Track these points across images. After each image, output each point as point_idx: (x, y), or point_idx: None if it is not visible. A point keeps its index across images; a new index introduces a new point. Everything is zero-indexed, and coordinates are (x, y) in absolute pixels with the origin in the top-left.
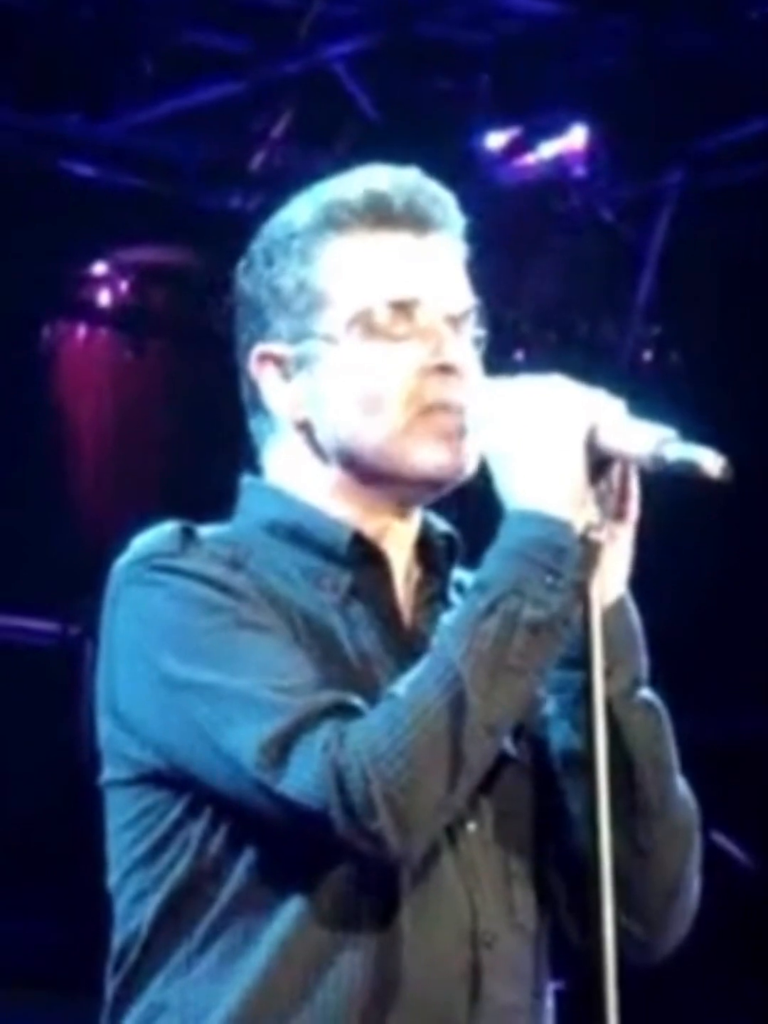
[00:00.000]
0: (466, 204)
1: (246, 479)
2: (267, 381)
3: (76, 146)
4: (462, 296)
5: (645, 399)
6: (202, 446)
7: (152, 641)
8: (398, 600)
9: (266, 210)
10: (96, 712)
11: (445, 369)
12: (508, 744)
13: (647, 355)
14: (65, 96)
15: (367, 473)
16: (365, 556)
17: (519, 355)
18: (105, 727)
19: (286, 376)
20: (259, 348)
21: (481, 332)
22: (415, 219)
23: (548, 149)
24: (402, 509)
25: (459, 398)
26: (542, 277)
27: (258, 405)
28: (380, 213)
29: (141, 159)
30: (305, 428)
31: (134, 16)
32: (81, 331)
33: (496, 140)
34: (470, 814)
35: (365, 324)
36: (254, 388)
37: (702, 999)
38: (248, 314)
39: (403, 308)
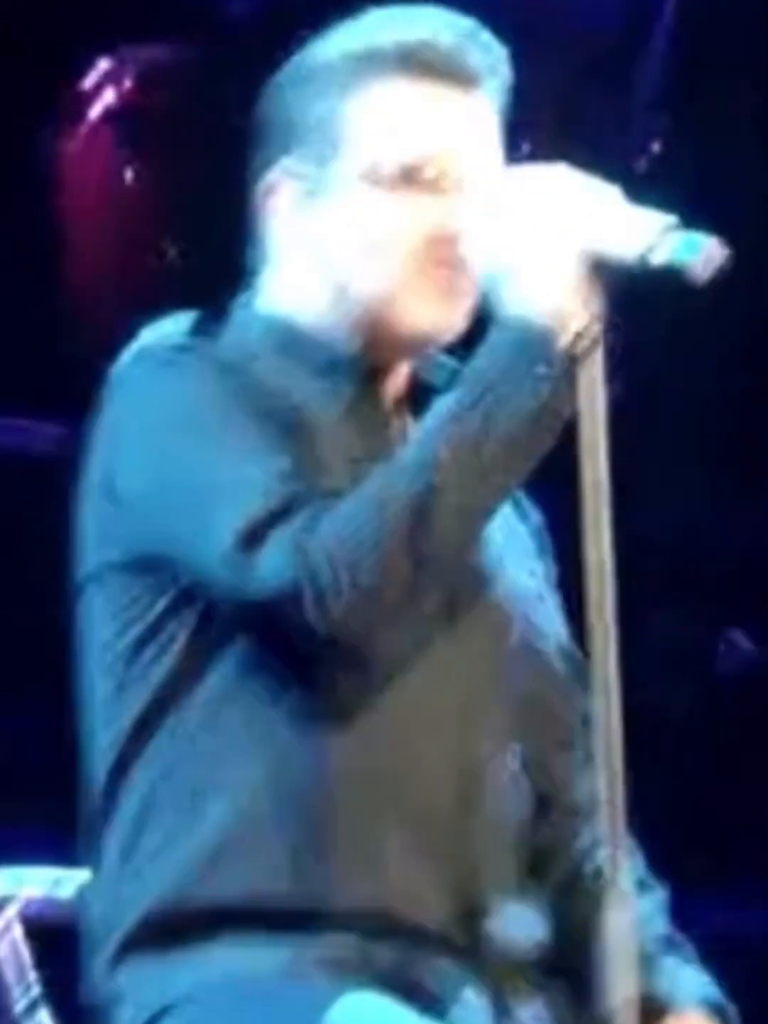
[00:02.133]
0: None
1: (238, 301)
2: (274, 206)
3: None
4: (492, 157)
5: (652, 191)
6: (203, 247)
7: (157, 417)
8: (393, 426)
9: (270, 10)
10: (84, 498)
11: (455, 236)
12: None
13: (656, 146)
14: None
15: (363, 312)
16: (366, 374)
17: (524, 147)
18: (97, 508)
19: (294, 205)
20: (275, 171)
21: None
22: (463, 73)
23: None
24: (393, 356)
25: (465, 260)
26: (547, 64)
27: (260, 225)
28: (427, 61)
29: None
30: (309, 256)
31: None
32: (83, 129)
33: None
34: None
35: (386, 175)
36: (259, 209)
37: (721, 792)
38: (272, 135)
39: (425, 166)
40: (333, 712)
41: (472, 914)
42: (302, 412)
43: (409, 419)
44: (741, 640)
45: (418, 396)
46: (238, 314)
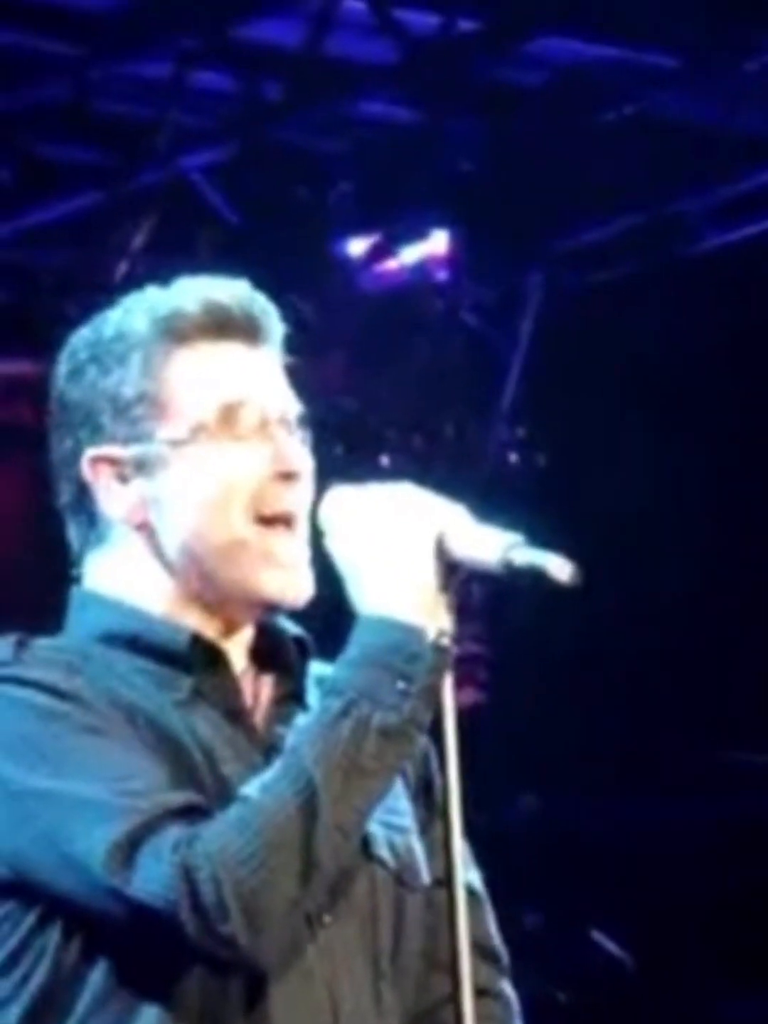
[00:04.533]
0: (329, 310)
1: (76, 591)
2: (102, 484)
3: None
4: (292, 402)
5: (511, 501)
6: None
7: None
8: (244, 700)
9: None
10: None
11: (287, 476)
12: (384, 852)
13: (513, 457)
14: None
15: (207, 578)
16: (206, 658)
17: (384, 460)
18: None
19: (123, 479)
20: (92, 451)
21: (307, 436)
22: (249, 330)
23: (410, 254)
24: (237, 622)
25: (299, 507)
26: (407, 382)
27: (85, 509)
28: (219, 324)
29: (4, 272)
30: (143, 530)
31: None
32: None
33: (357, 246)
34: (330, 907)
35: (208, 429)
36: (82, 492)
37: None
38: (76, 420)
39: (242, 413)
40: (204, 1016)
41: None
42: (148, 713)
43: (264, 679)
44: (604, 941)
45: (269, 650)
46: (78, 607)
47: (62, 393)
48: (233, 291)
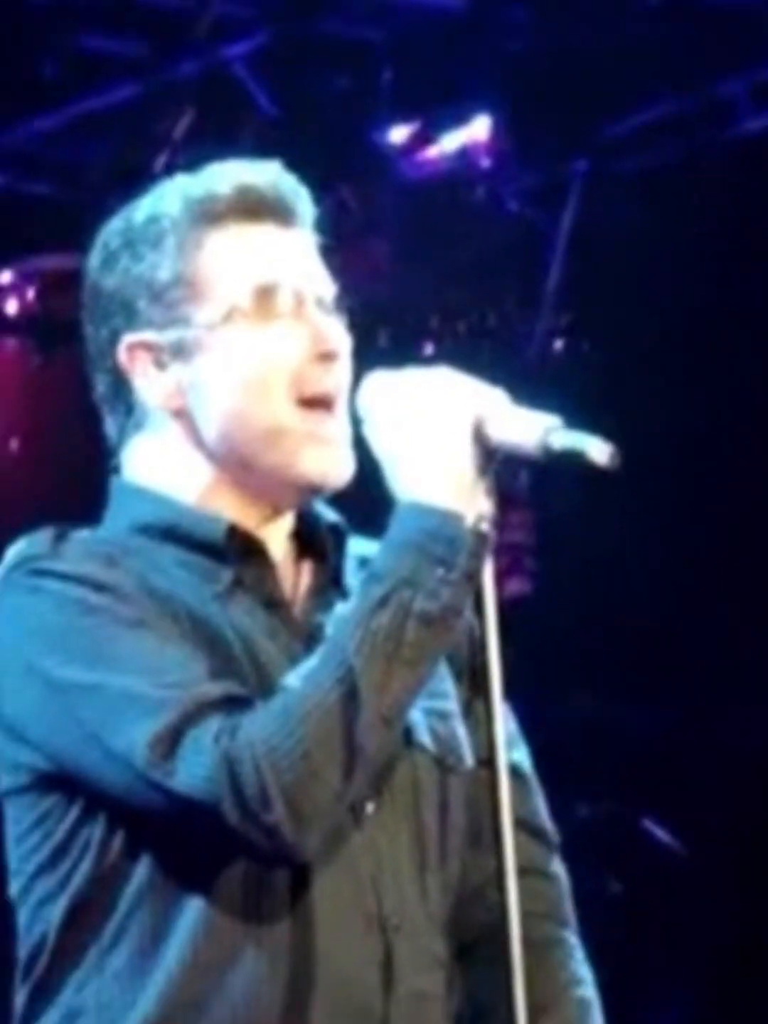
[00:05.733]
0: (371, 198)
1: (116, 481)
2: (140, 370)
3: None
4: (328, 283)
5: (556, 388)
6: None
7: (33, 645)
8: (283, 589)
9: None
10: None
11: (326, 356)
12: (425, 738)
13: (558, 344)
14: None
15: (248, 463)
16: (244, 549)
17: (429, 349)
18: None
19: (160, 365)
20: (128, 338)
21: (344, 317)
22: (281, 211)
23: (451, 141)
24: (278, 508)
25: (339, 388)
26: (450, 270)
27: (122, 398)
28: (251, 205)
29: (44, 165)
30: (182, 416)
31: (30, 23)
32: None
33: (399, 134)
34: (373, 797)
35: (244, 312)
36: (119, 381)
37: (636, 984)
38: (111, 309)
39: (277, 294)
40: (248, 905)
41: None
42: (188, 604)
43: (304, 567)
44: (654, 829)
45: (307, 538)
46: (117, 497)
47: (95, 283)
48: (264, 173)
